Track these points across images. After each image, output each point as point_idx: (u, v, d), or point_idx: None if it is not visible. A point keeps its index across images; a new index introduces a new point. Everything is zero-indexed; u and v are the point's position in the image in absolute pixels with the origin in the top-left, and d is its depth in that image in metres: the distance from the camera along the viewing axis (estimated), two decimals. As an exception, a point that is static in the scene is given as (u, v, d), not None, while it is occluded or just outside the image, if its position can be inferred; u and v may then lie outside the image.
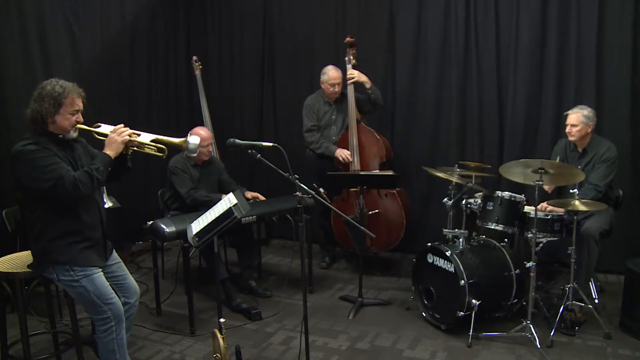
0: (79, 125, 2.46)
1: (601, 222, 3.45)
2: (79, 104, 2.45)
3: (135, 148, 2.57)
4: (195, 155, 2.85)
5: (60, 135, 2.43)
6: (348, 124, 4.36)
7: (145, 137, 2.57)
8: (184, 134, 2.68)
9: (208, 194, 3.84)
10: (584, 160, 3.62)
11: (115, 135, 2.47)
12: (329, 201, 3.53)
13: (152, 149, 2.57)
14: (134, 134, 2.54)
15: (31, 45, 4.00)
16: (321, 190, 3.58)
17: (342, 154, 4.30)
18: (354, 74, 4.27)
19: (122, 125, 2.52)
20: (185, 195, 3.80)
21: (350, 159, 4.28)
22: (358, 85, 4.33)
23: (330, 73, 4.33)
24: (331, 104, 4.47)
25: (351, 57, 4.32)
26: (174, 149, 2.65)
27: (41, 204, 2.39)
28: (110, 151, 2.45)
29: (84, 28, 4.46)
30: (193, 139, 2.60)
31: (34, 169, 2.30)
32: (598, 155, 3.56)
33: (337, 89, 4.35)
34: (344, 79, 4.33)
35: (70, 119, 2.41)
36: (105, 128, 2.55)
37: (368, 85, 4.30)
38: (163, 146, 2.57)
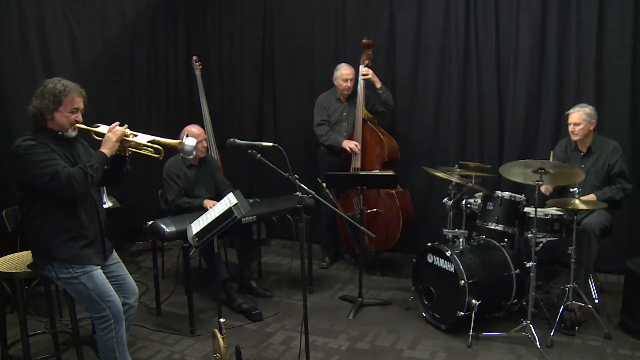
0: (78, 125, 2.47)
1: (602, 219, 3.45)
2: (79, 103, 2.46)
3: (132, 149, 2.59)
4: (191, 157, 2.85)
5: (59, 133, 2.44)
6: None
7: (142, 138, 2.59)
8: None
9: (190, 200, 3.84)
10: (590, 160, 3.61)
11: (110, 134, 2.49)
12: (335, 197, 3.53)
13: (149, 150, 2.60)
14: (131, 134, 2.56)
15: (31, 46, 4.00)
16: (324, 185, 3.58)
17: (349, 144, 4.35)
18: (369, 73, 4.34)
19: (117, 123, 2.54)
20: (170, 203, 3.86)
21: (358, 150, 4.31)
22: (369, 84, 4.38)
23: (343, 69, 4.43)
24: (343, 101, 4.51)
25: (364, 58, 4.36)
26: (170, 150, 2.66)
27: (39, 200, 2.39)
28: (106, 149, 2.47)
29: (84, 28, 4.46)
30: (189, 141, 2.62)
31: (31, 164, 2.31)
32: (605, 154, 3.55)
33: (348, 84, 4.41)
34: (357, 77, 4.37)
35: (69, 117, 2.43)
36: (103, 128, 2.56)
37: (378, 85, 4.36)
38: (160, 147, 2.58)
